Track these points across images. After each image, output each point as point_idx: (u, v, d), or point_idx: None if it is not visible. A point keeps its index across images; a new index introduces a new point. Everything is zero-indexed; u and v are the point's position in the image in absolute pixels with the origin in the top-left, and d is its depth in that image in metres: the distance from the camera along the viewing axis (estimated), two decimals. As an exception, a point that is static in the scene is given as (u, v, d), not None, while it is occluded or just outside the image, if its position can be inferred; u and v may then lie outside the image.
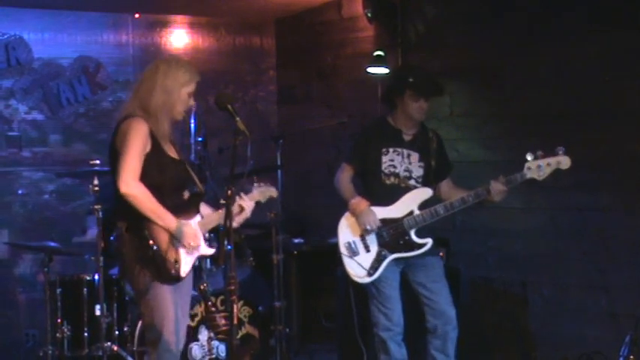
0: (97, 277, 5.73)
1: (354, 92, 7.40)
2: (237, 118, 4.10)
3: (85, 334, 5.83)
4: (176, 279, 4.35)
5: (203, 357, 5.72)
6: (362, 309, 5.52)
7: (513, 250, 6.24)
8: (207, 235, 4.55)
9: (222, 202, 4.27)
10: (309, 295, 7.14)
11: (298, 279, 7.06)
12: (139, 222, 4.31)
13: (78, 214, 7.19)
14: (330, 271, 6.16)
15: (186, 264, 4.39)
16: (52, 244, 6.02)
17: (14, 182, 7.21)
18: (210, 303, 3.90)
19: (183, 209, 4.44)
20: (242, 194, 4.55)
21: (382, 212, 5.27)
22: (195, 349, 5.69)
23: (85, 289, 5.86)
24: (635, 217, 5.63)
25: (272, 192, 4.73)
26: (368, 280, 5.26)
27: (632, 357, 5.23)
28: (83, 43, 7.43)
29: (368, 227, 5.23)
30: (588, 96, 5.79)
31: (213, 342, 5.72)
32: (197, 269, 4.98)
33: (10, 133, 7.20)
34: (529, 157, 5.08)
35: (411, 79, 5.30)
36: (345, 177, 5.41)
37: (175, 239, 4.34)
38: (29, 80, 7.24)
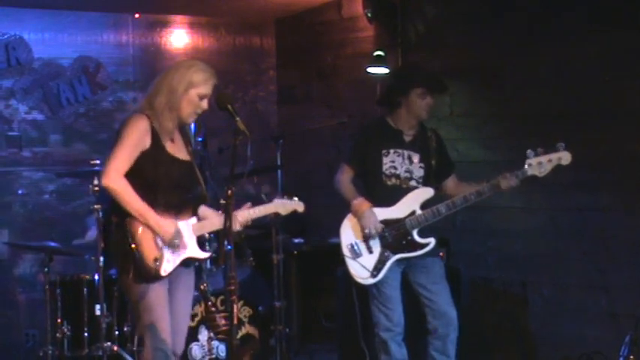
0: (97, 277, 5.73)
1: (354, 92, 7.40)
2: (237, 118, 4.09)
3: (85, 334, 5.83)
4: (155, 277, 4.33)
5: (203, 357, 5.72)
6: (364, 309, 5.52)
7: (513, 250, 6.24)
8: (206, 236, 4.53)
9: (222, 202, 4.26)
10: (309, 295, 7.14)
11: (298, 279, 7.07)
12: (125, 218, 4.31)
13: (78, 214, 7.19)
14: (330, 271, 6.16)
15: (168, 262, 4.36)
16: (52, 244, 6.02)
17: (14, 182, 7.21)
18: (210, 303, 3.89)
19: (176, 209, 4.42)
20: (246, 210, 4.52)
21: (384, 213, 5.27)
22: (195, 349, 5.70)
23: (85, 289, 5.87)
24: (635, 217, 5.63)
25: (297, 206, 4.70)
26: (372, 281, 5.26)
27: (632, 357, 5.23)
28: (83, 43, 7.43)
29: (368, 231, 5.23)
30: (588, 96, 5.79)
31: (213, 342, 5.72)
32: (197, 269, 4.97)
33: (10, 133, 7.20)
34: (530, 154, 5.08)
35: (419, 77, 5.30)
36: (345, 178, 5.41)
37: (159, 237, 4.34)
38: (29, 80, 7.24)
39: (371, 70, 6.88)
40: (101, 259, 5.63)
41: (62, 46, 7.35)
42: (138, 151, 4.33)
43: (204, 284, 4.11)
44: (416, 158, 5.35)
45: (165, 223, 4.34)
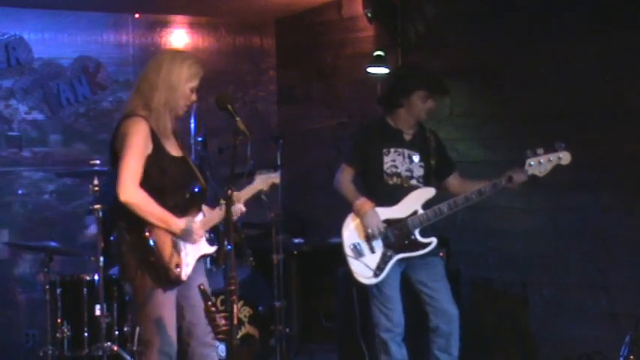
0: (97, 277, 5.73)
1: (354, 92, 7.40)
2: (237, 118, 4.08)
3: (85, 334, 5.83)
4: (177, 283, 4.33)
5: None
6: (364, 309, 5.51)
7: (513, 250, 6.24)
8: (207, 235, 4.53)
9: (222, 202, 4.25)
10: (309, 295, 7.14)
11: (298, 279, 7.07)
12: (141, 224, 4.26)
13: (78, 214, 7.19)
14: (330, 271, 6.16)
15: (187, 266, 4.36)
16: (52, 244, 6.02)
17: (14, 182, 7.22)
18: (210, 303, 3.88)
19: (185, 208, 4.39)
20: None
21: (386, 213, 5.27)
22: (196, 349, 5.68)
23: (85, 289, 5.86)
24: (635, 217, 5.63)
25: (273, 178, 4.59)
26: (375, 280, 5.26)
27: (632, 357, 5.23)
28: (83, 43, 7.44)
29: (371, 231, 5.23)
30: (588, 96, 5.78)
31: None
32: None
33: (11, 133, 7.21)
34: (529, 154, 5.08)
35: (422, 79, 5.30)
36: (345, 178, 5.40)
37: (178, 241, 4.32)
38: (29, 80, 7.24)
39: (371, 70, 6.88)
40: (101, 259, 5.62)
41: (62, 46, 7.36)
42: (144, 158, 4.28)
43: (202, 284, 4.10)
44: (416, 157, 5.35)
45: (193, 225, 4.32)
